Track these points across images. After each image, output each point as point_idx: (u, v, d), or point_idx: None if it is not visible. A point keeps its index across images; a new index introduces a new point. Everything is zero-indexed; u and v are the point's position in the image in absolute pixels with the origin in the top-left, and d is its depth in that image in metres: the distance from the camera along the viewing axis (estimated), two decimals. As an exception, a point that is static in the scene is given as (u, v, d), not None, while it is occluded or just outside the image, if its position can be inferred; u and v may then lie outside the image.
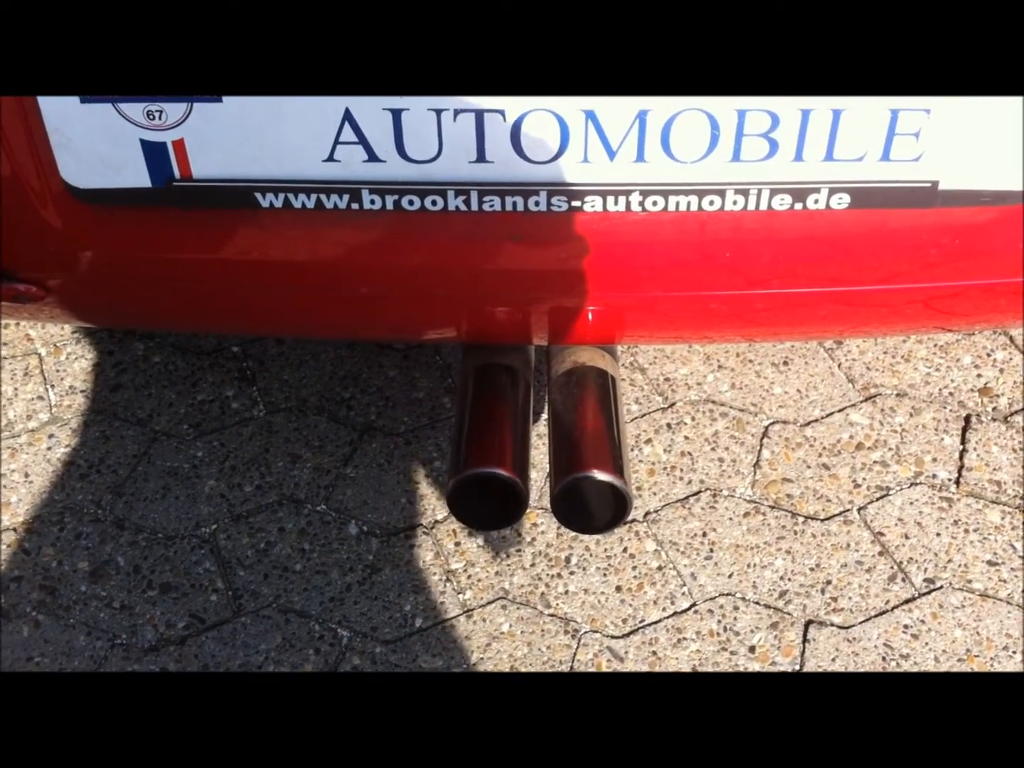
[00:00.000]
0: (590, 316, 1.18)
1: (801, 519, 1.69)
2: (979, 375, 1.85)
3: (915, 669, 1.52)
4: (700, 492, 1.72)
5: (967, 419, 1.80)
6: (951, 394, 1.83)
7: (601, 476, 1.26)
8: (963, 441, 1.77)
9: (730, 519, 1.69)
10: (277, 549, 1.67)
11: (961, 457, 1.75)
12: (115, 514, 1.71)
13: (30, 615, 1.60)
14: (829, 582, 1.62)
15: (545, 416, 1.75)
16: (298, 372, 1.90)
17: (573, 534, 1.67)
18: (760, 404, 1.83)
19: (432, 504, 1.72)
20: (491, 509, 1.32)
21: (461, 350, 1.48)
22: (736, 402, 1.83)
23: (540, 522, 1.69)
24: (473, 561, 1.65)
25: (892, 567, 1.63)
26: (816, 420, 1.81)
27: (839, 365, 1.88)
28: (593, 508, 1.30)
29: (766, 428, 1.80)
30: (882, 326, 1.23)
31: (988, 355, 1.88)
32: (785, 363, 1.89)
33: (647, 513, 1.70)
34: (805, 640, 1.56)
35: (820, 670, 1.52)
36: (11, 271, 1.14)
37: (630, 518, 1.69)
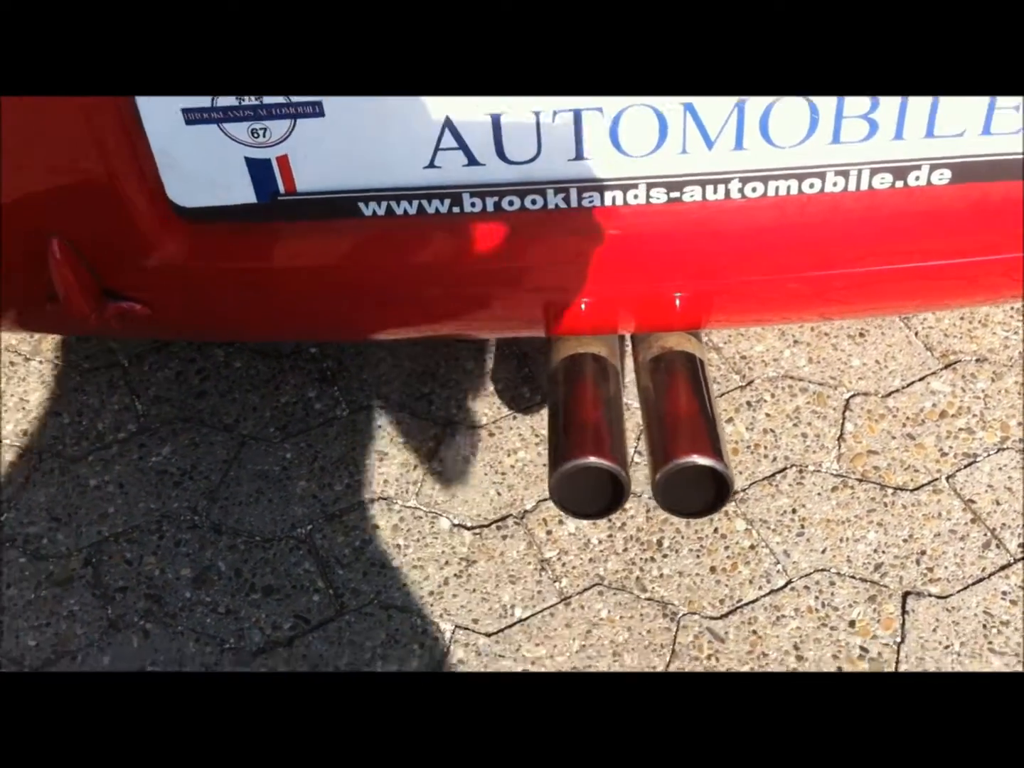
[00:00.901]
0: (689, 303, 1.19)
1: (890, 490, 1.69)
2: (1059, 335, 1.84)
3: (1016, 635, 1.53)
4: (786, 469, 1.73)
5: (1050, 381, 1.79)
6: (1032, 356, 1.82)
7: (703, 461, 1.27)
8: (1048, 403, 1.76)
9: (818, 494, 1.70)
10: (373, 546, 1.70)
11: (1047, 419, 1.75)
12: (212, 519, 1.74)
13: (138, 624, 1.64)
14: (924, 552, 1.62)
15: (634, 403, 1.76)
16: (376, 370, 1.92)
17: (663, 517, 1.69)
18: (839, 377, 1.83)
19: (520, 494, 1.74)
20: (593, 498, 1.34)
21: (547, 342, 1.49)
22: (815, 376, 1.84)
23: (629, 507, 1.71)
24: (566, 549, 1.67)
25: (986, 534, 1.63)
26: (897, 390, 1.81)
27: (916, 334, 1.88)
28: (695, 492, 1.31)
29: (847, 401, 1.80)
30: (983, 297, 1.23)
31: (1067, 315, 1.87)
32: (861, 335, 1.89)
33: (735, 493, 1.71)
34: (904, 612, 1.57)
35: (922, 641, 1.53)
36: (115, 290, 1.17)
37: (718, 498, 1.70)
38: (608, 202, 1.07)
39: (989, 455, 1.71)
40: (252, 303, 1.17)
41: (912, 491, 1.69)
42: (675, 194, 1.06)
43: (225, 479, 1.79)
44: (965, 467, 1.70)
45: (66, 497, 1.79)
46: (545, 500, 1.72)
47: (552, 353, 1.46)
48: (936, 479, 1.69)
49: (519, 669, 1.55)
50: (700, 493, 1.32)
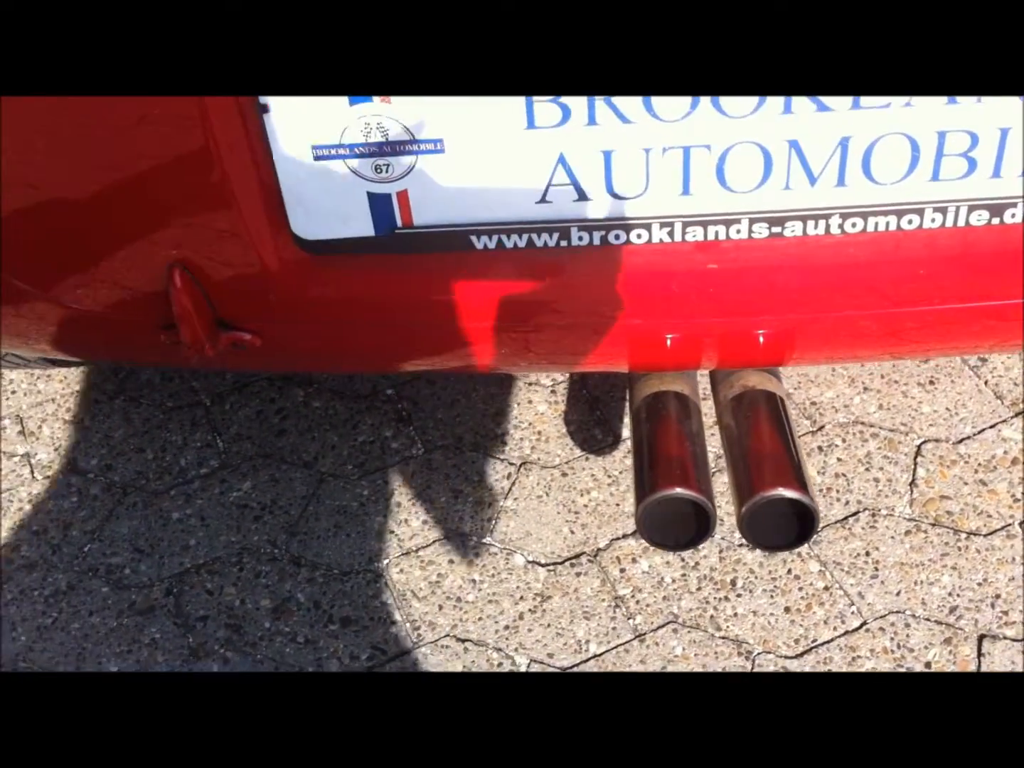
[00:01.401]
0: (784, 337, 1.22)
1: (963, 535, 1.70)
2: None
3: (1095, 680, 1.52)
4: (859, 512, 1.75)
5: (1122, 430, 1.80)
6: (1103, 406, 1.83)
7: (789, 493, 1.29)
8: (1120, 452, 1.77)
9: (892, 538, 1.71)
10: (448, 581, 1.72)
11: (1120, 468, 1.75)
12: (291, 552, 1.78)
13: (219, 652, 1.67)
14: (998, 596, 1.62)
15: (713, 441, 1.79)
16: (451, 411, 1.96)
17: (736, 557, 1.71)
18: (910, 423, 1.85)
19: (594, 532, 1.76)
20: (678, 531, 1.37)
21: (629, 380, 1.53)
22: (885, 422, 1.86)
23: (702, 547, 1.73)
24: (640, 587, 1.69)
25: (1061, 579, 1.63)
26: (968, 437, 1.82)
27: (985, 382, 1.90)
28: (779, 528, 1.34)
29: (918, 447, 1.82)
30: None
31: None
32: (931, 382, 1.91)
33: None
34: (980, 654, 1.57)
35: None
36: (230, 320, 1.22)
37: (791, 540, 1.72)
38: (711, 236, 1.11)
39: (1063, 502, 1.72)
40: (363, 334, 1.22)
41: (985, 536, 1.69)
42: (776, 229, 1.11)
43: (304, 514, 1.83)
44: (1039, 513, 1.71)
45: (149, 529, 1.83)
46: (618, 539, 1.75)
47: (634, 391, 1.50)
48: (1009, 524, 1.70)
49: (595, 704, 1.56)
50: (784, 528, 1.34)
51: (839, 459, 1.82)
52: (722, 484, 1.77)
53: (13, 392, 2.06)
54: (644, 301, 1.17)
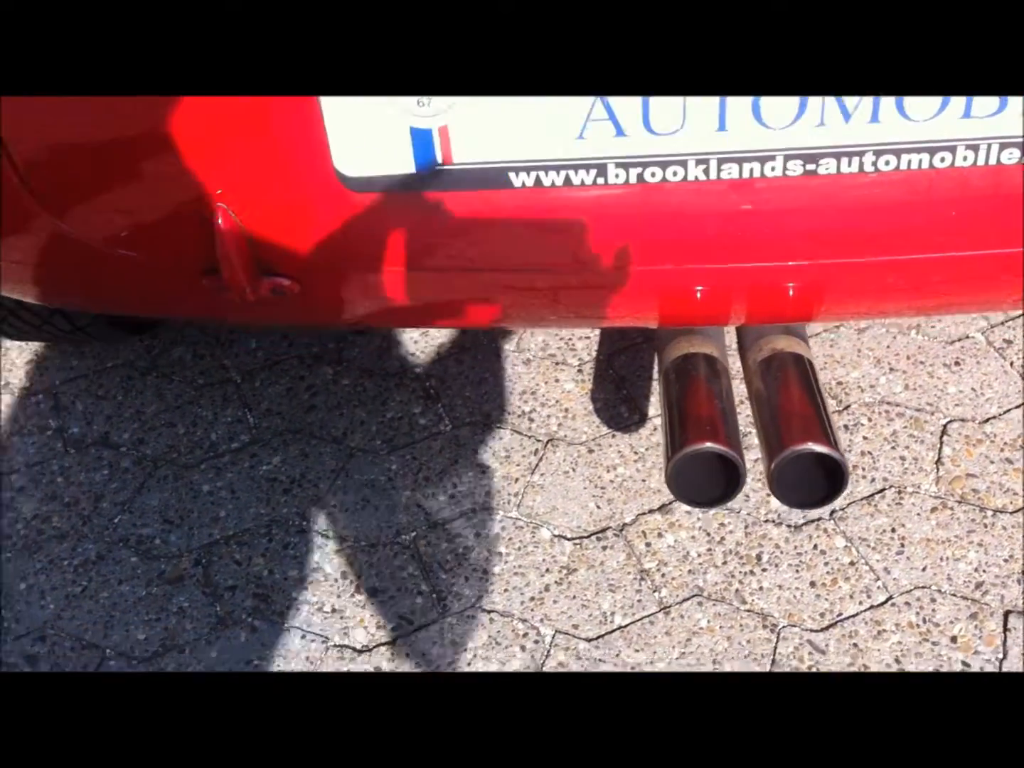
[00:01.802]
0: (817, 284, 1.23)
1: (990, 512, 1.70)
2: None
3: (1123, 654, 1.52)
4: (885, 490, 1.75)
5: None
6: None
7: (819, 448, 1.30)
8: None
9: (918, 515, 1.71)
10: (475, 553, 1.73)
11: None
12: (319, 525, 1.79)
13: (246, 621, 1.68)
14: (1025, 572, 1.62)
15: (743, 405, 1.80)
16: (479, 389, 1.98)
17: (762, 532, 1.71)
18: (936, 403, 1.86)
19: (620, 508, 1.77)
20: (709, 487, 1.37)
21: (657, 343, 1.54)
22: (911, 402, 1.86)
23: (728, 522, 1.73)
24: (665, 561, 1.70)
25: (1088, 556, 1.63)
26: (994, 417, 1.83)
27: (1011, 364, 1.90)
28: (809, 483, 1.34)
29: (944, 426, 1.82)
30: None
31: None
32: (957, 363, 1.91)
33: (833, 511, 1.73)
34: (1006, 629, 1.57)
35: (1026, 656, 1.53)
36: (271, 265, 1.24)
37: (816, 515, 1.72)
38: (747, 174, 1.12)
39: (1090, 481, 1.72)
40: (401, 280, 1.23)
41: (1012, 513, 1.69)
42: (811, 167, 1.12)
43: (333, 487, 1.85)
44: (1066, 492, 1.71)
45: (179, 501, 1.85)
46: (644, 514, 1.76)
47: (663, 354, 1.51)
48: (1036, 502, 1.70)
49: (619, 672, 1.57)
50: (815, 483, 1.35)
51: (865, 438, 1.82)
52: (749, 461, 1.78)
53: (47, 368, 2.09)
54: (681, 243, 1.18)
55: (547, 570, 1.70)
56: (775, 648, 1.58)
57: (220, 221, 1.17)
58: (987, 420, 1.82)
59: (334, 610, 1.69)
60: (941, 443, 1.80)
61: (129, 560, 1.78)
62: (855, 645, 1.57)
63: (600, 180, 1.14)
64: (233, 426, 1.96)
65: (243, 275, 1.22)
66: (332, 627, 1.66)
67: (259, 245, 1.21)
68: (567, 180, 1.14)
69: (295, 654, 1.64)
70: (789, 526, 1.72)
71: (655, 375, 1.97)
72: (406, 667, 1.60)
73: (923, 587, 1.63)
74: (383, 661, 1.62)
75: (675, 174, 1.13)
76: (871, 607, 1.61)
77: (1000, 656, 1.54)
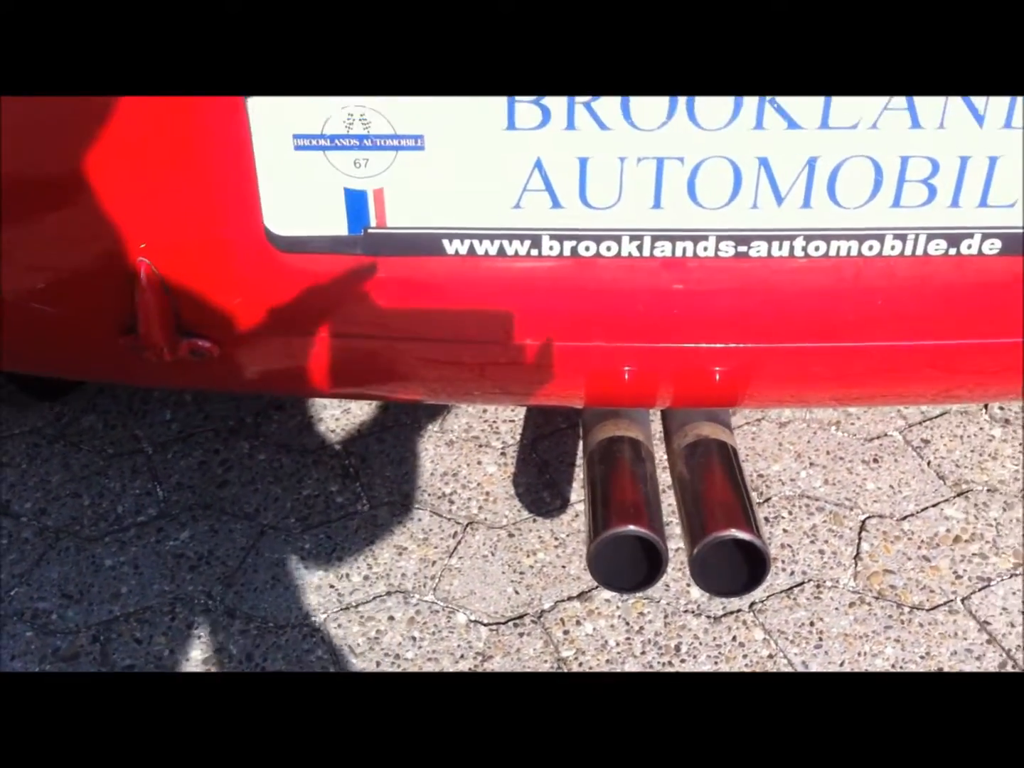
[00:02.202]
0: (743, 367, 1.23)
1: (907, 609, 1.70)
2: (1067, 472, 1.90)
3: (1037, 754, 1.51)
4: (804, 583, 1.74)
5: (1060, 514, 1.83)
6: (1042, 490, 1.87)
7: (741, 535, 1.29)
8: (1059, 534, 1.80)
9: (836, 609, 1.71)
10: (387, 637, 1.68)
11: (1059, 549, 1.78)
12: (226, 604, 1.72)
13: (144, 701, 1.60)
14: (940, 669, 1.62)
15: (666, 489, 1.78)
16: (399, 469, 1.94)
17: (682, 623, 1.69)
18: (855, 499, 1.87)
19: (539, 594, 1.73)
20: (629, 572, 1.35)
21: (583, 425, 1.53)
22: (831, 497, 1.87)
23: (647, 611, 1.71)
24: (583, 649, 1.66)
25: (1001, 655, 1.63)
26: (912, 514, 1.84)
27: (928, 463, 1.93)
28: (731, 570, 1.33)
29: (863, 522, 1.83)
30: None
31: (1074, 453, 1.93)
32: (875, 460, 1.93)
33: (753, 603, 1.72)
34: (923, 726, 1.55)
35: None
36: (192, 326, 1.21)
37: (735, 607, 1.71)
38: (679, 253, 1.13)
39: (1003, 580, 1.73)
40: (327, 346, 1.20)
41: (928, 610, 1.70)
42: (743, 248, 1.13)
43: (242, 566, 1.78)
44: (980, 590, 1.72)
45: (79, 575, 1.77)
46: (563, 601, 1.72)
47: (588, 436, 1.50)
48: (952, 600, 1.71)
49: (534, 764, 1.52)
50: (734, 573, 1.34)
51: (785, 530, 1.82)
52: (671, 549, 1.76)
53: (-53, 432, 2.01)
54: (611, 320, 1.18)
55: (462, 656, 1.65)
56: (692, 742, 1.54)
57: (142, 275, 1.14)
58: (905, 517, 1.84)
59: (237, 693, 1.61)
60: (860, 538, 1.81)
61: (24, 635, 1.69)
62: (773, 740, 1.55)
63: (534, 252, 1.14)
64: (141, 499, 1.89)
65: (162, 334, 1.19)
66: (234, 711, 1.59)
67: (181, 303, 1.18)
68: (501, 250, 1.14)
69: (193, 739, 1.56)
70: (709, 617, 1.69)
71: (579, 461, 1.96)
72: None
73: (841, 682, 1.61)
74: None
75: (609, 249, 1.14)
76: (789, 701, 1.59)
77: (917, 754, 1.52)
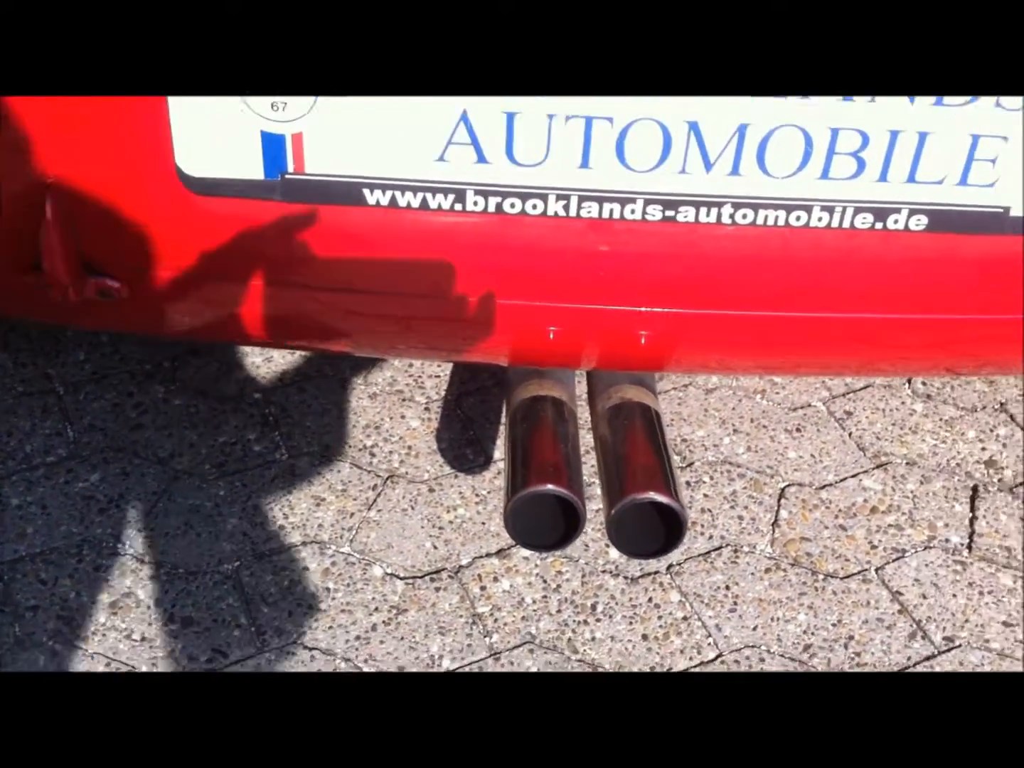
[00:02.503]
0: (668, 332, 1.22)
1: (821, 576, 1.71)
2: (983, 448, 1.92)
3: (939, 723, 1.54)
4: (721, 547, 1.75)
5: (975, 489, 1.85)
6: (958, 465, 1.89)
7: (660, 498, 1.28)
8: (972, 509, 1.82)
9: (752, 574, 1.71)
10: (301, 587, 1.65)
11: (971, 524, 1.80)
12: (135, 548, 1.68)
13: (46, 644, 1.55)
14: (852, 637, 1.64)
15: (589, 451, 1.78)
16: (321, 419, 1.91)
17: (599, 583, 1.68)
18: (776, 467, 1.87)
19: (457, 549, 1.72)
20: (546, 531, 1.34)
21: (507, 384, 1.51)
22: (753, 464, 1.88)
23: (565, 570, 1.70)
24: (499, 606, 1.65)
25: (912, 625, 1.65)
26: (831, 484, 1.85)
27: (850, 434, 1.94)
28: (648, 533, 1.32)
29: (783, 489, 1.84)
30: (948, 359, 1.28)
31: (991, 430, 1.95)
32: (798, 430, 1.94)
33: (670, 565, 1.72)
34: (830, 692, 1.57)
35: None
36: (98, 265, 1.16)
37: (653, 569, 1.71)
38: (606, 214, 1.11)
39: (917, 551, 1.75)
40: (239, 293, 1.16)
41: (842, 579, 1.71)
42: (670, 213, 1.11)
43: (153, 510, 1.74)
44: (894, 561, 1.74)
45: (-17, 514, 1.72)
46: (481, 557, 1.71)
47: (512, 395, 1.48)
48: (866, 569, 1.73)
49: (443, 720, 1.51)
50: (653, 533, 1.33)
51: (705, 495, 1.82)
52: (591, 511, 1.75)
53: None
54: (535, 279, 1.15)
55: (376, 609, 1.63)
56: (603, 702, 1.54)
57: (47, 211, 1.08)
58: (824, 486, 1.85)
59: (143, 638, 1.57)
60: (779, 505, 1.81)
61: (-80, 574, 1.64)
62: (682, 702, 1.55)
63: (458, 206, 1.10)
64: (51, 439, 1.84)
65: (67, 272, 1.14)
66: (140, 656, 1.55)
67: (88, 241, 1.13)
68: (424, 203, 1.10)
69: (96, 685, 1.52)
70: (626, 578, 1.69)
71: (503, 418, 1.94)
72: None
73: (753, 646, 1.62)
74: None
75: (535, 207, 1.11)
76: (701, 663, 1.60)
77: (822, 720, 1.54)
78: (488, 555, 1.72)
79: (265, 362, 2.01)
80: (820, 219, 1.11)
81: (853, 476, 1.87)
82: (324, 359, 2.02)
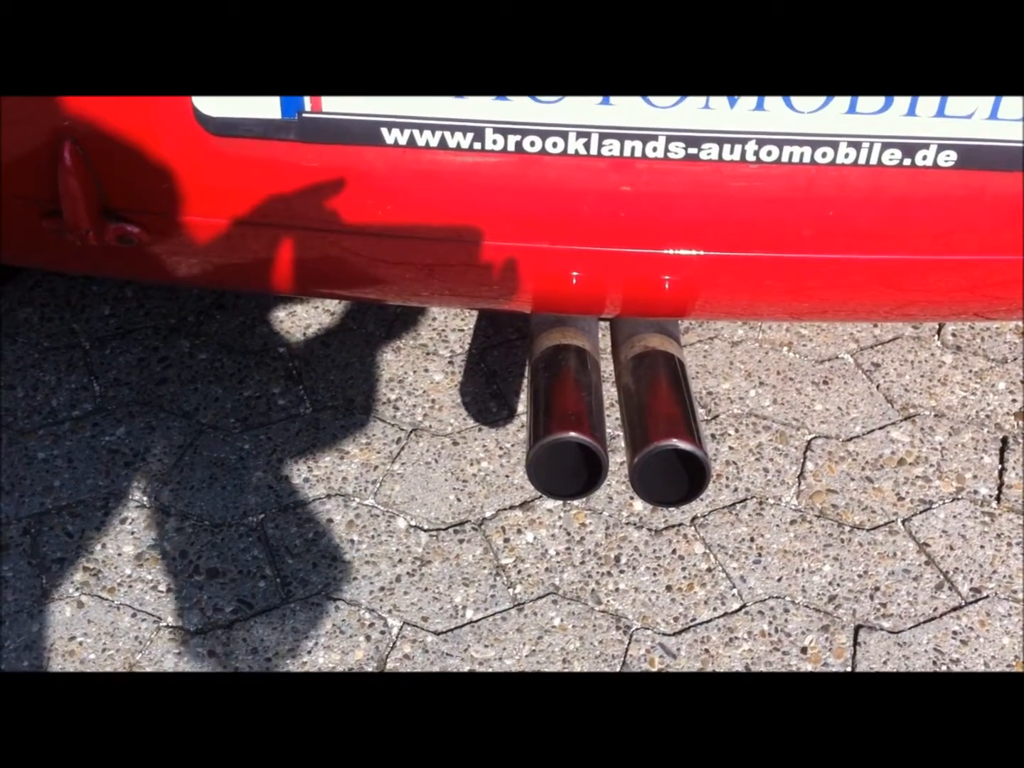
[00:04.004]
0: (690, 275, 1.20)
1: (847, 528, 1.70)
2: (1014, 400, 1.89)
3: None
4: (746, 500, 1.74)
5: (1004, 440, 1.83)
6: (988, 416, 1.86)
7: (683, 445, 1.27)
8: (1001, 460, 1.80)
9: (777, 526, 1.70)
10: (325, 539, 1.66)
11: (1000, 475, 1.78)
12: (161, 501, 1.69)
13: (73, 596, 1.57)
14: (877, 588, 1.62)
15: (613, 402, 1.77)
16: (344, 373, 1.90)
17: (623, 534, 1.68)
18: (802, 419, 1.86)
19: (480, 502, 1.72)
20: (569, 480, 1.33)
21: (530, 333, 1.50)
22: (778, 416, 1.86)
23: (588, 522, 1.70)
24: (523, 557, 1.65)
25: (939, 576, 1.64)
26: (858, 436, 1.83)
27: (877, 386, 1.92)
28: (671, 481, 1.31)
29: (809, 442, 1.82)
30: (978, 302, 1.25)
31: (1022, 382, 1.92)
32: (825, 382, 1.92)
33: (695, 517, 1.71)
34: (856, 643, 1.56)
35: (872, 672, 1.52)
36: (118, 210, 1.15)
37: (677, 521, 1.70)
38: (627, 152, 1.09)
39: (944, 503, 1.73)
40: (261, 235, 1.15)
41: (868, 530, 1.70)
42: (693, 150, 1.09)
43: (179, 463, 1.75)
44: (921, 512, 1.72)
45: (11, 467, 1.73)
46: (505, 510, 1.71)
47: (535, 344, 1.47)
48: (892, 521, 1.71)
49: (466, 669, 1.51)
50: (677, 481, 1.32)
51: (731, 447, 1.81)
52: (614, 463, 1.75)
53: None
54: (556, 221, 1.14)
55: (400, 560, 1.64)
56: (626, 650, 1.54)
57: (66, 155, 1.08)
58: (851, 439, 1.83)
59: (169, 589, 1.59)
60: (805, 458, 1.80)
61: (-51, 527, 1.65)
62: (706, 651, 1.55)
63: (477, 145, 1.09)
64: (77, 393, 1.85)
65: (87, 217, 1.13)
66: (166, 607, 1.57)
67: (107, 186, 1.12)
68: (442, 142, 1.09)
69: (124, 633, 1.53)
70: (650, 530, 1.69)
71: (527, 372, 1.93)
72: (241, 652, 1.51)
73: (777, 597, 1.61)
74: (218, 645, 1.52)
75: (555, 146, 1.09)
76: (725, 614, 1.59)
77: (848, 669, 1.53)
78: (512, 507, 1.71)
79: (289, 316, 2.00)
80: (847, 156, 1.08)
81: (880, 428, 1.85)
82: (347, 314, 2.02)
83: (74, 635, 1.53)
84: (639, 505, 1.72)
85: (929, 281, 1.19)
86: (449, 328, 2.00)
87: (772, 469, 1.78)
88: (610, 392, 1.79)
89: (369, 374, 1.91)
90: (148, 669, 1.49)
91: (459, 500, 1.72)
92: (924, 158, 1.08)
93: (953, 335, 2.03)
